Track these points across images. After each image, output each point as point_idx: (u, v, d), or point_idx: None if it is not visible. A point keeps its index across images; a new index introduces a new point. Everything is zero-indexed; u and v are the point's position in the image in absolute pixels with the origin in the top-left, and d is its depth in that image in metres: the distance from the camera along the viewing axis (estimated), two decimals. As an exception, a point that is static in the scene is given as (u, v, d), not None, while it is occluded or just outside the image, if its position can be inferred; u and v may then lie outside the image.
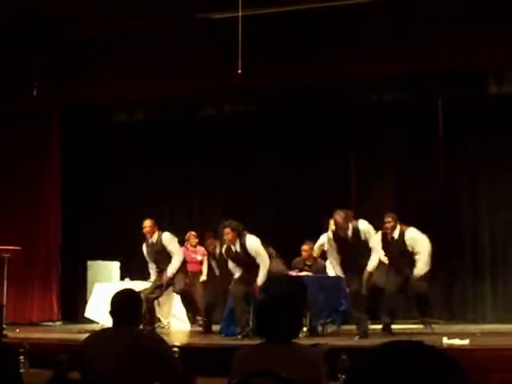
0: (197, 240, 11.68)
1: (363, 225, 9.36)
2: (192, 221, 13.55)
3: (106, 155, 13.74)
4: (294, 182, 13.04)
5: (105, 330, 5.42)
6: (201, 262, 11.59)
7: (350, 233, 9.30)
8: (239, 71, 10.02)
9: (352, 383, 1.50)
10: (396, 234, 9.82)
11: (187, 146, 13.45)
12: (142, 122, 13.91)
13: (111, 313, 4.61)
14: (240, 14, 10.14)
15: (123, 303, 4.59)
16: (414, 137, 12.58)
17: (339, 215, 9.26)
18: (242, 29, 10.04)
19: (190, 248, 11.65)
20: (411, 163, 12.84)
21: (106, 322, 8.77)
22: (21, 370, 5.10)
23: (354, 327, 9.66)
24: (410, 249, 9.71)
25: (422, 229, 12.30)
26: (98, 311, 10.96)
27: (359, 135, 12.83)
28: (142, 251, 10.67)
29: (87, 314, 11.57)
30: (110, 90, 12.18)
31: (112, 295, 4.73)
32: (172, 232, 10.78)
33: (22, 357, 7.02)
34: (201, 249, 11.63)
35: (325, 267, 10.67)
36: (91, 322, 11.40)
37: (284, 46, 11.24)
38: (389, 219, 9.82)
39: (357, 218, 9.44)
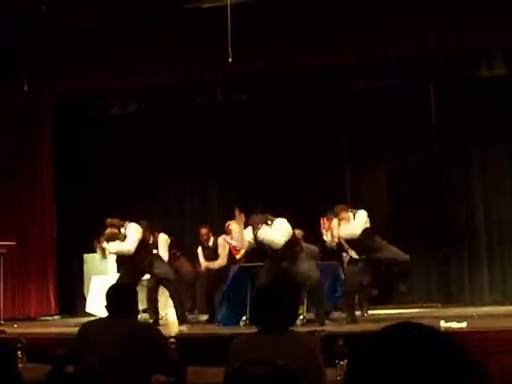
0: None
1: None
2: (186, 210, 13.60)
3: (99, 148, 13.72)
4: (286, 171, 13.04)
5: (99, 320, 5.42)
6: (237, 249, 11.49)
7: None
8: (230, 60, 10.00)
9: (354, 369, 1.49)
10: None
11: (179, 136, 13.43)
12: (134, 114, 13.86)
13: (107, 307, 4.61)
14: (229, 2, 10.12)
15: (118, 296, 4.59)
16: (406, 122, 12.57)
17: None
18: (231, 18, 10.01)
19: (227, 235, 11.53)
20: (404, 149, 12.84)
21: (105, 314, 8.74)
22: (19, 365, 5.11)
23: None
24: None
25: (418, 213, 12.37)
26: (97, 304, 10.95)
27: (351, 122, 12.82)
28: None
29: (88, 309, 11.57)
30: (101, 81, 12.12)
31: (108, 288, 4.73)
32: (164, 222, 10.83)
33: (19, 352, 7.02)
34: None
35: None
36: (89, 315, 11.39)
37: (274, 34, 11.21)
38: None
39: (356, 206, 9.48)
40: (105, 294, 4.69)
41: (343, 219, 9.25)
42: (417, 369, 1.41)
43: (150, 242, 10.51)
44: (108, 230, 10.03)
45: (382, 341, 1.49)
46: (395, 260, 9.25)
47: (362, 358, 1.48)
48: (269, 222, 9.16)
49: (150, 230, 10.58)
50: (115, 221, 10.17)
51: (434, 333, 1.49)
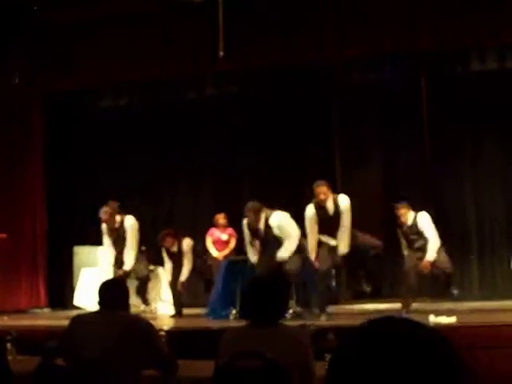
0: (225, 220, 11.66)
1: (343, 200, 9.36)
2: (176, 203, 13.60)
3: (90, 141, 13.69)
4: (277, 165, 13.03)
5: (91, 313, 5.42)
6: (226, 243, 11.64)
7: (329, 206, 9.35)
8: (221, 53, 9.98)
9: (336, 363, 1.48)
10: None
11: (171, 129, 13.42)
12: (125, 108, 13.85)
13: (99, 300, 4.61)
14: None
15: (110, 289, 4.59)
16: (397, 117, 12.58)
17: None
18: (223, 11, 10.00)
19: (217, 228, 11.71)
20: (395, 144, 12.84)
21: (94, 307, 8.72)
22: (8, 358, 5.11)
23: (339, 307, 9.76)
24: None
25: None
26: (86, 297, 10.93)
27: (343, 116, 12.81)
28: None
29: (76, 302, 11.54)
30: (93, 75, 12.09)
31: (99, 281, 4.73)
32: (155, 219, 10.89)
33: (9, 344, 7.02)
34: (228, 229, 11.65)
35: None
36: (79, 308, 11.38)
37: (266, 28, 11.19)
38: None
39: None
40: (94, 286, 4.69)
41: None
42: (399, 367, 1.39)
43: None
44: None
45: (362, 336, 1.47)
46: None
47: (342, 355, 1.47)
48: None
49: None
50: None
51: (415, 327, 1.48)
